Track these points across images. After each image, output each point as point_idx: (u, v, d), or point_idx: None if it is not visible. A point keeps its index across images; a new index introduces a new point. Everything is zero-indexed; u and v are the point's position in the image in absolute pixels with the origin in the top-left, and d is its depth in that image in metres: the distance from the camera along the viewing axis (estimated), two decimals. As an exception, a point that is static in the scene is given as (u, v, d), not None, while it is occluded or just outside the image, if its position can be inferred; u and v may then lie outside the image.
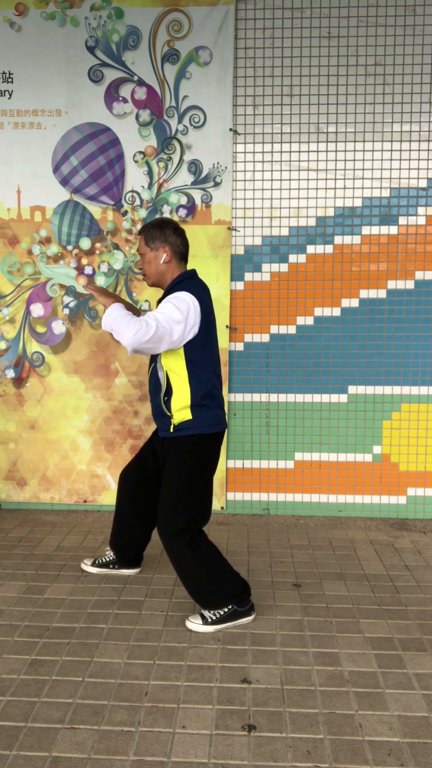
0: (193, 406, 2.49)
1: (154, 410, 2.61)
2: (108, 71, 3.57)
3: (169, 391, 2.51)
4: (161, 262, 2.53)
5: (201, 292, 2.52)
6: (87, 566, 3.07)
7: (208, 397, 2.52)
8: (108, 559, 3.05)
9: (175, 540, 2.50)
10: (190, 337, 2.44)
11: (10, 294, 3.78)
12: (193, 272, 2.59)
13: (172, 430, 2.52)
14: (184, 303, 2.42)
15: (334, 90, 3.55)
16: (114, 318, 2.39)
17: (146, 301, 3.71)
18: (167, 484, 2.55)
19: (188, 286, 2.49)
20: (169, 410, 2.51)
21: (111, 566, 3.04)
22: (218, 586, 2.53)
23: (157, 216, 3.63)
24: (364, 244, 3.63)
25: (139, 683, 2.22)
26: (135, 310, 2.67)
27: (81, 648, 2.43)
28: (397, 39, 3.49)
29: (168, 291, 2.53)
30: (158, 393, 2.55)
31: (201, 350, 2.49)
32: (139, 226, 3.65)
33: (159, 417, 2.57)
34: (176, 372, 2.49)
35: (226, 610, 2.55)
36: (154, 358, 2.58)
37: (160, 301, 2.52)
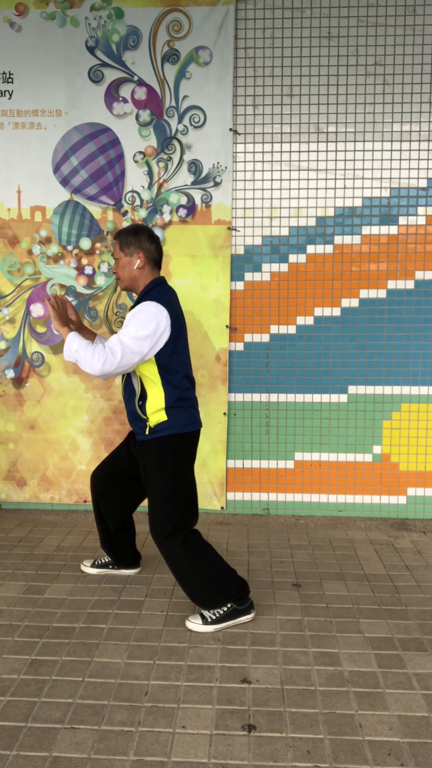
0: (168, 408, 2.53)
1: (129, 415, 2.64)
2: (108, 71, 3.57)
3: (143, 395, 2.54)
4: (135, 267, 2.57)
5: (171, 298, 2.56)
6: (87, 568, 3.08)
7: (181, 398, 2.56)
8: (107, 560, 3.07)
9: (169, 541, 2.51)
10: (160, 346, 2.47)
11: (10, 294, 3.78)
12: (163, 279, 2.63)
13: (147, 433, 2.54)
14: (150, 316, 2.44)
15: (334, 90, 3.55)
16: (76, 350, 2.44)
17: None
18: (151, 488, 2.57)
19: (158, 294, 2.53)
20: (145, 413, 2.54)
21: (110, 566, 3.05)
22: (215, 584, 2.53)
23: (158, 216, 3.63)
24: (364, 244, 3.63)
25: (139, 683, 2.22)
26: (91, 333, 2.76)
27: (81, 648, 2.43)
28: (397, 39, 3.49)
29: (140, 297, 2.56)
30: (133, 398, 2.58)
31: (171, 356, 2.51)
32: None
33: (135, 421, 2.59)
34: (149, 377, 2.53)
35: (225, 609, 2.55)
36: None
37: (132, 308, 2.55)
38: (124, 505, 2.86)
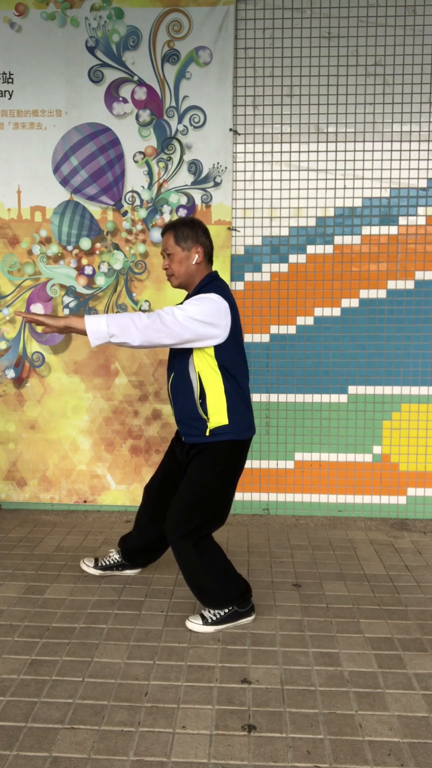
0: (229, 410, 2.42)
1: (182, 414, 2.47)
2: (108, 71, 3.57)
3: (203, 394, 2.41)
4: (193, 262, 2.46)
5: (229, 293, 2.46)
6: (89, 567, 3.01)
7: (242, 400, 2.46)
8: (112, 562, 2.99)
9: (182, 541, 2.47)
10: (217, 338, 2.35)
11: (11, 294, 3.78)
12: (218, 274, 2.52)
13: (208, 434, 2.42)
14: (213, 304, 2.34)
15: (334, 90, 3.55)
16: (107, 322, 2.23)
17: (146, 301, 3.71)
18: (188, 485, 2.48)
19: (215, 288, 2.43)
20: (206, 413, 2.41)
21: (115, 569, 2.99)
22: (221, 586, 2.52)
23: (157, 217, 3.63)
24: (364, 244, 3.63)
25: (139, 683, 2.22)
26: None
27: (81, 648, 2.43)
28: (397, 39, 3.49)
29: (194, 293, 2.45)
30: (190, 395, 2.43)
31: (233, 352, 2.42)
32: (139, 227, 3.65)
33: (191, 420, 2.44)
34: (210, 374, 2.40)
35: (226, 610, 2.55)
36: (183, 358, 2.45)
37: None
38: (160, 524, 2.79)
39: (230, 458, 2.46)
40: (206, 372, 2.40)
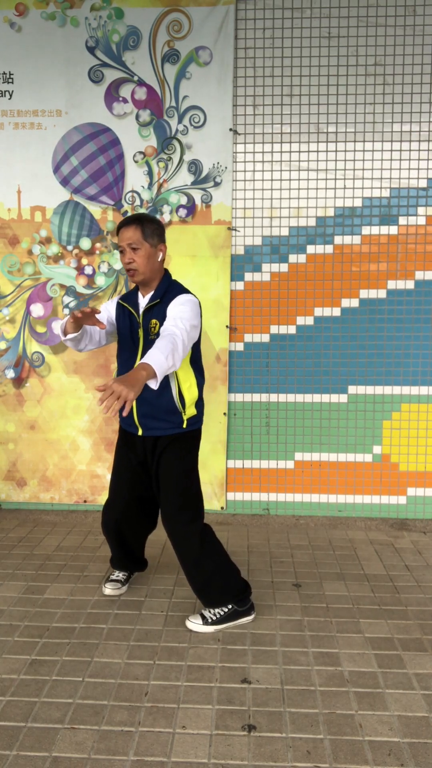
0: (197, 402, 2.55)
1: (155, 410, 2.47)
2: (108, 71, 3.57)
3: (179, 389, 2.49)
4: (158, 260, 2.49)
5: None
6: (109, 589, 2.85)
7: (202, 391, 2.60)
8: (124, 576, 2.91)
9: (188, 527, 2.49)
10: (196, 337, 2.43)
11: (11, 294, 3.78)
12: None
13: (185, 426, 2.51)
14: (194, 305, 2.42)
15: (334, 90, 3.55)
16: (164, 356, 2.13)
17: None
18: (173, 478, 2.50)
19: (181, 285, 2.52)
20: (184, 406, 2.49)
21: (130, 578, 2.94)
22: (221, 580, 2.52)
23: (157, 216, 3.63)
24: (364, 244, 3.63)
25: (139, 683, 2.22)
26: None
27: (81, 648, 2.43)
28: (397, 39, 3.49)
29: (164, 291, 2.47)
30: (167, 390, 2.46)
31: (197, 348, 2.54)
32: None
33: (165, 415, 2.47)
34: (184, 369, 2.48)
35: (226, 609, 2.55)
36: None
37: (153, 306, 2.46)
38: (148, 526, 2.81)
39: (197, 444, 2.61)
40: (182, 368, 2.48)
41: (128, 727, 1.99)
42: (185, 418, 2.50)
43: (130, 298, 2.58)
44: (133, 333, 2.51)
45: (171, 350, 2.16)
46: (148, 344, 2.45)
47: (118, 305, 2.60)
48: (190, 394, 2.50)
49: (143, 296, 2.54)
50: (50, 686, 2.19)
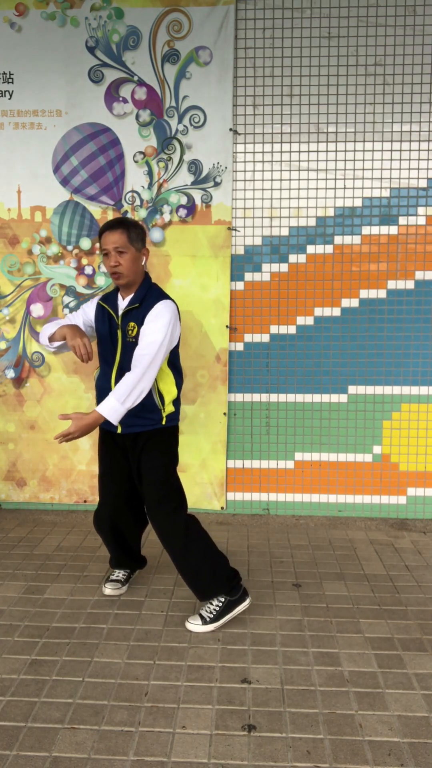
0: (175, 400, 2.64)
1: (137, 408, 2.50)
2: (108, 71, 3.57)
3: (159, 389, 2.59)
4: (142, 263, 2.57)
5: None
6: (109, 589, 2.86)
7: (180, 390, 2.68)
8: (124, 576, 2.92)
9: (173, 516, 2.55)
10: (176, 340, 2.55)
11: (11, 294, 3.78)
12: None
13: (165, 423, 2.60)
14: (170, 314, 2.47)
15: (334, 90, 3.55)
16: (119, 405, 2.37)
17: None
18: (154, 470, 2.59)
19: (161, 290, 2.59)
20: (163, 404, 2.59)
21: (131, 577, 2.96)
22: (210, 566, 2.54)
23: (158, 217, 3.63)
24: (364, 244, 3.63)
25: (139, 683, 2.22)
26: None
27: (81, 648, 2.43)
28: (397, 39, 3.49)
29: (143, 296, 2.53)
30: (150, 390, 2.57)
31: (175, 351, 2.61)
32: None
33: (146, 413, 2.56)
34: (164, 370, 2.59)
35: (220, 603, 2.55)
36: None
37: (131, 309, 2.53)
38: (141, 522, 2.88)
39: (176, 440, 2.70)
40: (161, 370, 2.57)
41: (128, 727, 1.99)
42: (164, 415, 2.60)
43: (110, 299, 2.66)
44: (112, 334, 2.60)
45: (129, 392, 2.37)
46: (126, 346, 2.55)
47: (98, 306, 2.68)
48: (169, 393, 2.61)
49: (123, 298, 2.61)
50: (50, 686, 2.20)
